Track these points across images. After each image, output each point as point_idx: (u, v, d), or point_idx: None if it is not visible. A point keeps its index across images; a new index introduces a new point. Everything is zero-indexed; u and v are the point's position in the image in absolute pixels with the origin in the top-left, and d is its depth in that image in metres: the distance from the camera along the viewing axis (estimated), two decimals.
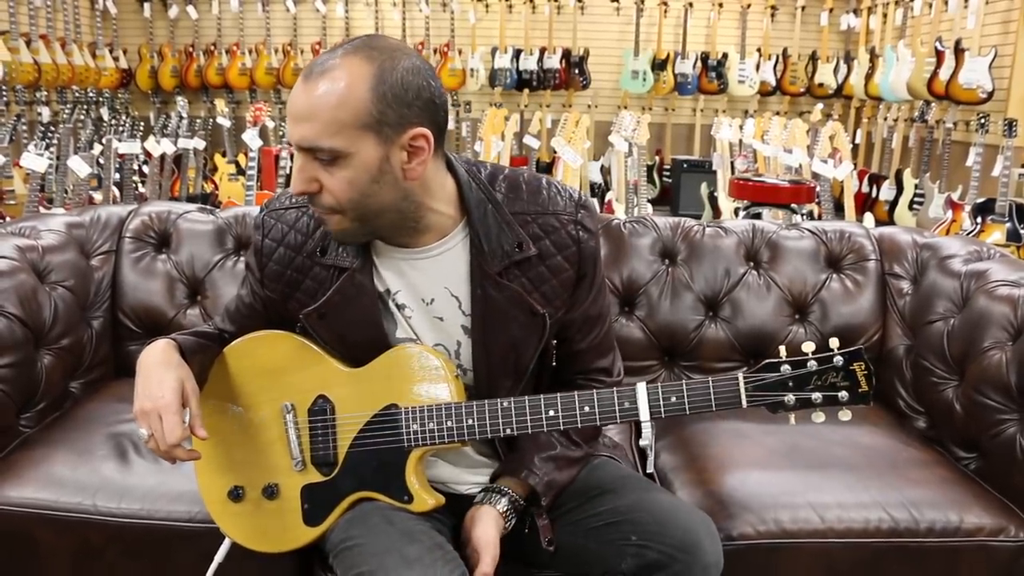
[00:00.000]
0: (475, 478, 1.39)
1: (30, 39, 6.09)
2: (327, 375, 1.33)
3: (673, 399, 1.22)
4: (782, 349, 1.21)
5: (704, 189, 6.10)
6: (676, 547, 1.23)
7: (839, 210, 5.08)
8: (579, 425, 1.25)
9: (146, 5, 7.57)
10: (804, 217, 4.33)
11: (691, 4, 7.37)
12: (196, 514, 1.47)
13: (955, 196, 5.23)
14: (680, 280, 2.05)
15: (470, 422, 1.26)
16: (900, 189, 6.11)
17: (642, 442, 1.22)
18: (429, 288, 1.31)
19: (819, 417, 1.22)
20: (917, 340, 1.94)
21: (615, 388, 1.25)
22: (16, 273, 1.79)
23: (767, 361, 1.21)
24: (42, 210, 4.10)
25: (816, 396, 1.20)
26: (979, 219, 4.39)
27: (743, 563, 1.46)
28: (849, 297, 2.03)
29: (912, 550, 1.50)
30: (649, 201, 5.03)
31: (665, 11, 7.37)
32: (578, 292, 1.34)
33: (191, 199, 5.81)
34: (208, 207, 2.20)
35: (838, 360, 1.20)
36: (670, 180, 7.17)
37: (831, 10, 7.36)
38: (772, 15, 7.46)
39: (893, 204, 6.13)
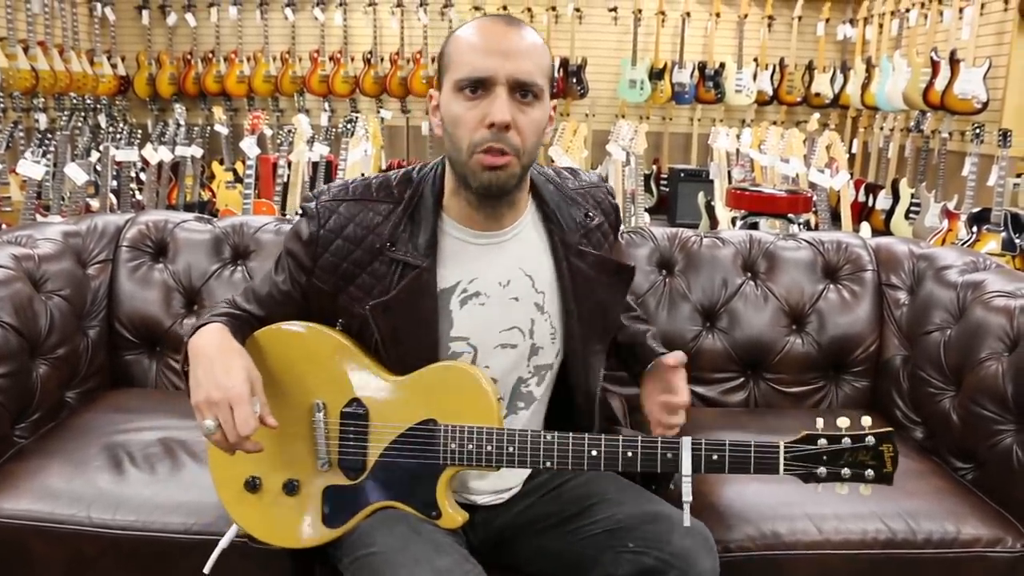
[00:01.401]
0: (492, 487, 1.39)
1: (28, 46, 6.09)
2: (364, 379, 1.31)
3: (715, 457, 1.25)
4: (819, 422, 1.24)
5: (701, 198, 6.11)
6: (673, 554, 1.24)
7: (836, 220, 5.09)
8: (619, 469, 1.26)
9: (144, 12, 7.58)
10: (801, 227, 4.33)
11: (688, 14, 7.40)
12: (192, 526, 1.46)
13: (951, 206, 5.25)
14: (677, 290, 2.05)
15: (511, 450, 1.25)
16: (896, 199, 6.13)
17: (685, 498, 1.23)
18: (506, 270, 1.34)
19: (843, 490, 1.25)
20: (914, 350, 1.94)
21: (659, 438, 1.27)
22: (12, 282, 1.79)
23: (806, 433, 1.25)
24: (39, 218, 4.09)
25: (846, 472, 1.24)
26: (975, 229, 4.40)
27: (741, 574, 1.45)
28: (846, 307, 2.03)
29: (909, 561, 1.50)
30: (646, 210, 5.04)
31: (663, 20, 7.40)
32: (614, 254, 1.47)
33: (188, 207, 5.81)
34: (205, 216, 2.19)
35: (870, 440, 1.24)
36: (667, 189, 7.18)
37: (827, 20, 7.39)
38: (769, 25, 7.49)
39: (889, 214, 6.15)
